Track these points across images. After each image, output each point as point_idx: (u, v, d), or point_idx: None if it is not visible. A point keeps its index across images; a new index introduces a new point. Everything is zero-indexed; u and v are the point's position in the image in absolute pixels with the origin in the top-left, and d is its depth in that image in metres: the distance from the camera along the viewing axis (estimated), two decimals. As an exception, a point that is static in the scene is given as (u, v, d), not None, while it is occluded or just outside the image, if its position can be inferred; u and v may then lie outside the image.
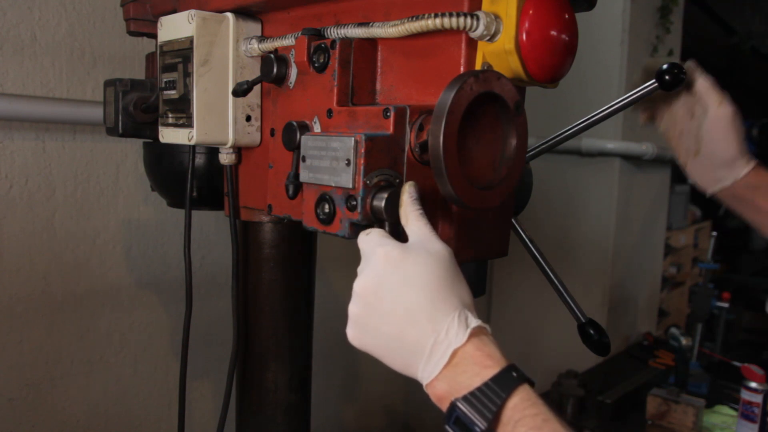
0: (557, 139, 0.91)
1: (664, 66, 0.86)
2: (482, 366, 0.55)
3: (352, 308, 0.61)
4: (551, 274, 0.84)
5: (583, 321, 0.82)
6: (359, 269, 0.61)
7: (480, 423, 0.52)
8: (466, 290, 0.60)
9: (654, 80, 0.87)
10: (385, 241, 0.60)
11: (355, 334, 0.61)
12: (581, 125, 0.91)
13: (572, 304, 0.82)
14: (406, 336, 0.57)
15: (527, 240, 0.85)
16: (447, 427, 0.56)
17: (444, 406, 0.56)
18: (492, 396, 0.53)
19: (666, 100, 0.97)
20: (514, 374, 0.55)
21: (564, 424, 0.53)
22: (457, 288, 0.58)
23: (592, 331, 0.81)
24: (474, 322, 0.57)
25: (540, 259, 0.85)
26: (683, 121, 0.94)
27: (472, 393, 0.54)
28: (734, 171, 0.90)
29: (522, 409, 0.53)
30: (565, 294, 0.83)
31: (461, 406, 0.54)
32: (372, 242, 0.61)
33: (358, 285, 0.60)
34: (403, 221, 0.63)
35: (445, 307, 0.57)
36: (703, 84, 0.91)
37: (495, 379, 0.54)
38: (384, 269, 0.58)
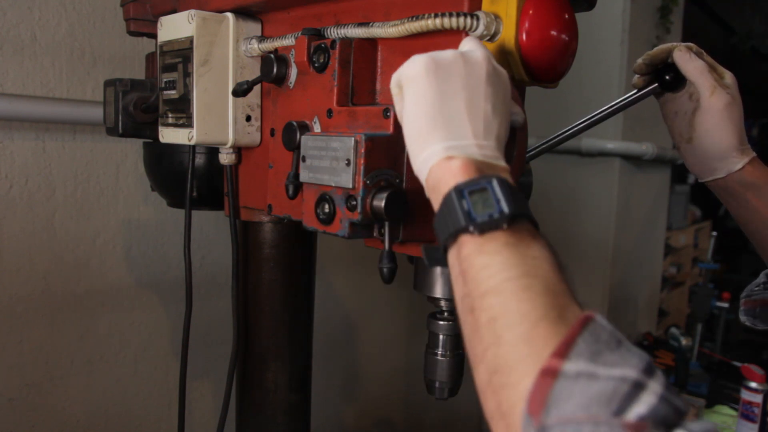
0: (557, 139, 0.91)
1: (664, 63, 0.86)
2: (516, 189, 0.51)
3: (420, 63, 0.56)
4: None
5: None
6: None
7: (507, 205, 0.49)
8: (507, 122, 0.58)
9: (656, 83, 0.87)
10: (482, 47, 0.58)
11: (400, 112, 0.58)
12: (581, 125, 0.91)
13: None
14: (430, 132, 0.54)
15: None
16: (453, 191, 0.50)
17: (465, 176, 0.51)
18: (526, 206, 0.50)
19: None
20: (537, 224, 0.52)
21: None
22: (498, 110, 0.57)
23: None
24: (496, 156, 0.55)
25: None
26: (681, 102, 0.87)
27: (512, 185, 0.50)
28: (728, 164, 0.84)
29: (541, 236, 0.50)
30: None
31: (498, 184, 0.50)
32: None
33: (407, 68, 0.57)
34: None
35: (473, 121, 0.54)
36: (696, 69, 0.82)
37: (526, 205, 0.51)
38: (433, 62, 0.56)
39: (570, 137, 0.91)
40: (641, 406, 0.38)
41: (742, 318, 0.94)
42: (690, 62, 0.83)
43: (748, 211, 0.86)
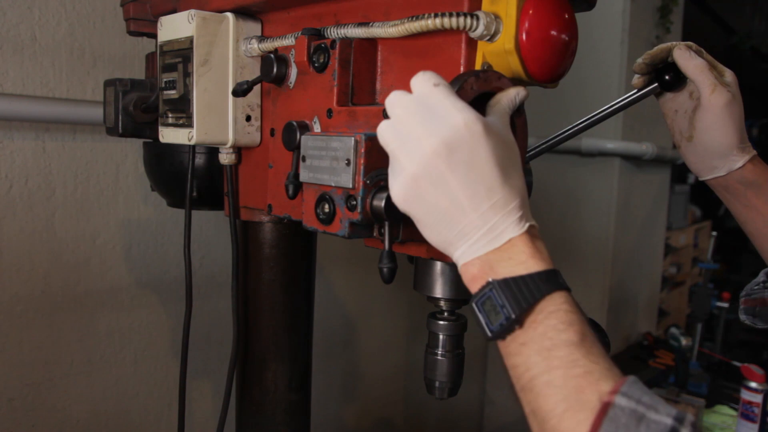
0: (557, 139, 0.91)
1: (664, 63, 0.85)
2: (530, 258, 0.54)
3: (411, 167, 0.55)
4: None
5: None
6: (416, 123, 0.55)
7: (511, 309, 0.52)
8: (524, 185, 0.58)
9: (656, 83, 0.87)
10: (464, 107, 0.55)
11: (406, 194, 0.57)
12: (581, 125, 0.90)
13: None
14: (463, 211, 0.55)
15: None
16: (473, 305, 0.55)
17: (476, 286, 0.55)
18: (533, 288, 0.53)
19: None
20: (560, 280, 0.54)
21: (594, 335, 0.52)
22: (519, 179, 0.57)
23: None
24: (531, 219, 0.56)
25: None
26: (681, 100, 0.87)
27: (513, 279, 0.53)
28: (729, 162, 0.83)
29: (558, 304, 0.52)
30: None
31: (497, 288, 0.53)
32: (449, 102, 0.55)
33: (428, 143, 0.54)
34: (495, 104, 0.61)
35: (508, 194, 0.55)
36: (696, 67, 0.81)
37: (541, 274, 0.53)
38: (461, 134, 0.54)
39: (570, 137, 0.91)
40: None
41: (742, 317, 0.94)
42: (690, 60, 0.82)
43: (748, 209, 0.85)
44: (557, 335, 0.51)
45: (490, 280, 0.54)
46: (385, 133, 0.58)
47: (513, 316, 0.52)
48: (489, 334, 0.54)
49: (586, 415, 0.48)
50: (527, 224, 0.56)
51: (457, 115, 0.55)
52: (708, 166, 0.86)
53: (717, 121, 0.81)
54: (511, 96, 0.62)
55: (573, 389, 0.49)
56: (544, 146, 0.91)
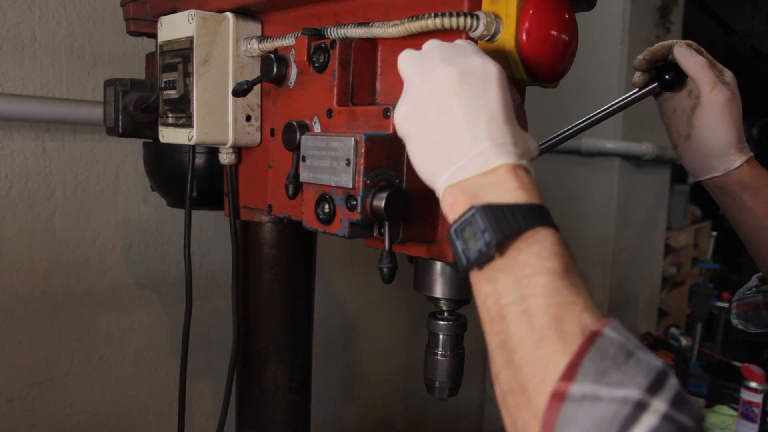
0: (557, 138, 0.91)
1: (664, 61, 0.85)
2: (519, 188, 0.50)
3: (414, 92, 0.57)
4: None
5: None
6: (439, 57, 0.57)
7: (493, 233, 0.48)
8: (527, 142, 0.57)
9: (656, 83, 0.87)
10: (487, 57, 0.57)
11: (409, 113, 0.57)
12: (581, 125, 0.90)
13: None
14: (460, 135, 0.53)
15: None
16: (451, 231, 0.51)
17: (456, 212, 0.52)
18: (519, 218, 0.49)
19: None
20: (550, 218, 0.50)
21: (581, 271, 0.49)
22: (522, 134, 0.56)
23: None
24: (526, 162, 0.54)
25: None
26: (680, 99, 0.86)
27: (499, 205, 0.49)
28: (726, 162, 0.83)
29: (545, 236, 0.49)
30: None
31: (480, 212, 0.49)
32: (473, 48, 0.58)
33: (444, 70, 0.55)
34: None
35: (508, 130, 0.54)
36: (696, 65, 0.81)
37: (530, 206, 0.50)
38: (477, 69, 0.55)
39: (570, 137, 0.91)
40: (641, 429, 0.38)
41: (734, 321, 0.94)
42: (690, 58, 0.82)
43: (744, 212, 0.84)
44: (540, 263, 0.47)
45: (474, 204, 0.50)
46: (406, 61, 0.60)
47: (494, 241, 0.48)
48: (464, 261, 0.50)
49: (566, 345, 0.43)
50: (523, 160, 0.53)
51: (477, 57, 0.56)
52: (706, 165, 0.85)
53: (716, 119, 0.81)
54: None
55: (552, 318, 0.45)
56: (544, 146, 0.91)
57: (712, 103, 0.81)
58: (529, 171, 0.54)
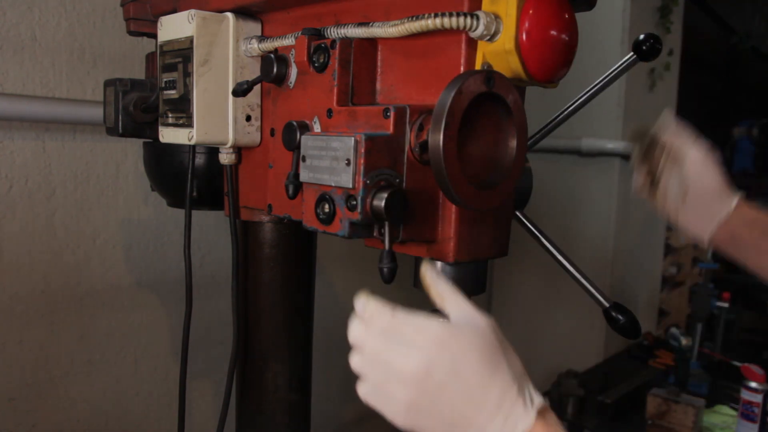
0: (549, 126, 0.91)
1: (641, 36, 0.87)
2: None
3: (403, 394, 0.57)
4: (567, 263, 0.82)
5: (608, 305, 0.79)
6: (390, 348, 0.58)
7: None
8: (516, 359, 0.58)
9: (632, 53, 0.88)
10: (430, 322, 0.58)
11: (410, 419, 0.57)
12: (570, 108, 0.90)
13: (593, 290, 0.79)
14: (469, 418, 0.55)
15: (537, 232, 0.84)
16: None
17: None
18: None
19: (653, 160, 0.97)
20: None
21: None
22: (510, 359, 0.57)
23: (618, 315, 0.78)
24: (537, 398, 0.56)
25: (553, 249, 0.83)
26: (668, 171, 0.94)
27: None
28: (726, 202, 0.89)
29: None
30: (584, 281, 0.80)
31: None
32: (414, 322, 0.59)
33: (408, 368, 0.56)
34: (438, 301, 0.62)
35: (504, 384, 0.55)
36: (674, 128, 0.94)
37: None
38: (435, 351, 0.56)
39: (561, 122, 0.91)
40: None
41: None
42: (670, 124, 0.95)
43: (762, 255, 0.88)
44: None
45: None
46: (360, 367, 0.60)
47: None
48: None
49: None
50: (534, 406, 0.55)
51: (424, 331, 0.57)
52: (708, 215, 0.90)
53: (705, 165, 0.91)
54: (432, 279, 0.63)
55: None
56: (537, 136, 0.91)
57: (698, 155, 0.91)
58: (542, 404, 0.56)
